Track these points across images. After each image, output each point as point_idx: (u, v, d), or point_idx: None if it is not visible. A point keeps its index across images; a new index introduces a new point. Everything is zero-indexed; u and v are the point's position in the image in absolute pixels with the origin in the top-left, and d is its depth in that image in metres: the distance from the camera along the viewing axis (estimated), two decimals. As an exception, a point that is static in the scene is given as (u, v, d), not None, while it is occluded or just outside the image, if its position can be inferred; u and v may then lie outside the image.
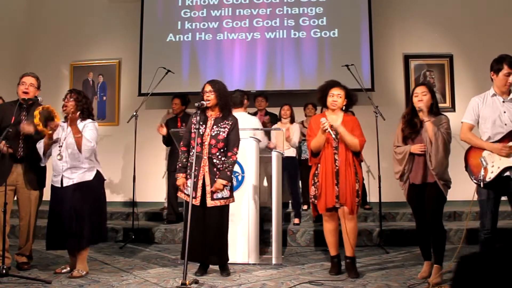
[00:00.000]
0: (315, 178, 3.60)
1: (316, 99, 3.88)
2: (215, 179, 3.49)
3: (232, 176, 3.62)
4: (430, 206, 3.31)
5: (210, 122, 3.59)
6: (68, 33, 7.14)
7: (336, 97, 3.61)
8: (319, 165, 3.58)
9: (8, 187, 3.67)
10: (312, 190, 3.61)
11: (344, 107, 3.66)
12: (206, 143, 3.53)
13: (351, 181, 3.49)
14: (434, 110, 3.40)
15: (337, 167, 3.50)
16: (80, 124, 3.58)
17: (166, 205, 5.93)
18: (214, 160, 3.52)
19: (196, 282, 3.29)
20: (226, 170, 3.51)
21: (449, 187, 3.32)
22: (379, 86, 6.42)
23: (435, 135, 3.24)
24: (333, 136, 3.46)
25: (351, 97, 3.68)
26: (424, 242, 3.45)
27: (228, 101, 3.68)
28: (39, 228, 4.66)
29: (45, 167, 3.82)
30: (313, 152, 3.62)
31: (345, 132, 3.50)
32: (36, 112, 3.45)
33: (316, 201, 3.56)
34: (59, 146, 3.53)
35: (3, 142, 3.50)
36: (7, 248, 3.55)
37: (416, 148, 3.35)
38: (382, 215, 4.96)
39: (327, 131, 3.43)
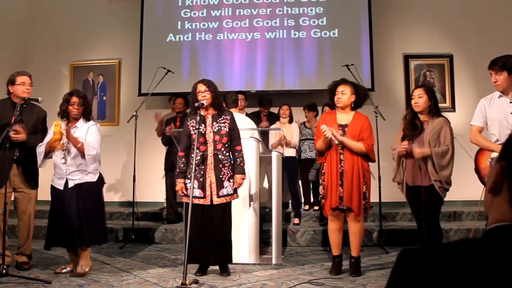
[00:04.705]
0: (322, 177, 3.62)
1: (327, 99, 3.88)
2: (236, 174, 3.57)
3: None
4: (425, 209, 3.31)
5: (208, 120, 3.61)
6: (68, 33, 7.13)
7: (340, 94, 3.56)
8: (325, 164, 3.60)
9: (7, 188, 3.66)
10: (320, 190, 3.64)
11: (353, 104, 3.60)
12: (210, 140, 3.55)
13: (357, 183, 3.47)
14: (433, 111, 3.38)
15: (342, 168, 3.49)
16: (84, 126, 3.60)
17: (165, 205, 5.93)
18: (220, 156, 3.54)
19: (196, 282, 3.29)
20: (241, 164, 3.60)
21: (447, 190, 3.31)
22: (379, 86, 6.41)
23: (436, 153, 3.22)
24: (336, 142, 3.46)
25: (359, 93, 3.61)
26: (425, 242, 3.44)
27: (221, 99, 3.77)
28: (39, 228, 4.66)
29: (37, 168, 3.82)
30: (319, 152, 3.64)
31: (348, 140, 3.46)
32: (59, 136, 3.43)
33: (323, 201, 3.58)
34: (63, 150, 3.53)
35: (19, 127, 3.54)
36: (6, 246, 3.55)
37: (401, 148, 3.33)
38: (382, 215, 4.96)
39: (328, 138, 3.43)
